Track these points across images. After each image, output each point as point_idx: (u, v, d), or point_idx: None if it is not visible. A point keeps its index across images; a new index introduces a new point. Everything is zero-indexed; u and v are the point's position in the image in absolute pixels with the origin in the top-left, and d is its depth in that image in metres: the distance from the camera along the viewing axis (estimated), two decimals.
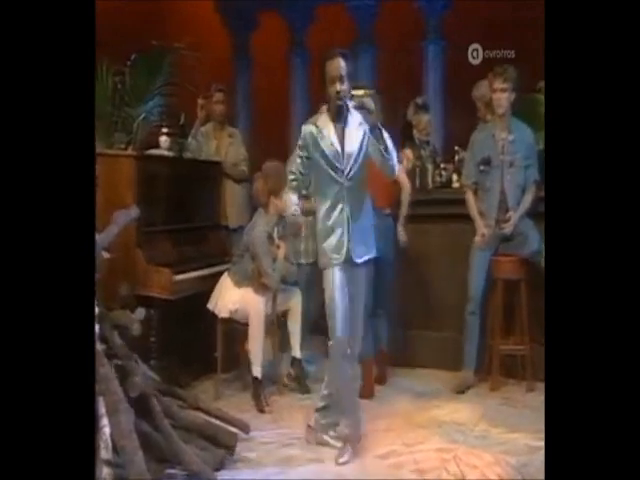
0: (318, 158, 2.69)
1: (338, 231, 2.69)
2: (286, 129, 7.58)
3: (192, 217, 3.86)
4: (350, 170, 2.67)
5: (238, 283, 3.46)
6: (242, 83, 8.08)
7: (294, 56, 8.07)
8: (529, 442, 2.88)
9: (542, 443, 2.82)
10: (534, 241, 3.51)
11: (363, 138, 2.67)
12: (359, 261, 2.73)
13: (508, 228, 3.56)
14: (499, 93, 3.54)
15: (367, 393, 3.41)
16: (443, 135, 6.26)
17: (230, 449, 2.64)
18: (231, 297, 3.43)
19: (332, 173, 2.67)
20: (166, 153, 3.72)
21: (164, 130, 3.75)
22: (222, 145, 4.44)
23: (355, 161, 2.68)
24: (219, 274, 3.56)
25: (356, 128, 2.68)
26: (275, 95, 7.75)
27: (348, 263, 2.71)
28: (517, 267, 3.56)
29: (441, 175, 4.20)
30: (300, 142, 2.73)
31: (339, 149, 2.67)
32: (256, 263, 3.43)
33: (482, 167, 3.62)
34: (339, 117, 2.67)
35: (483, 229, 3.60)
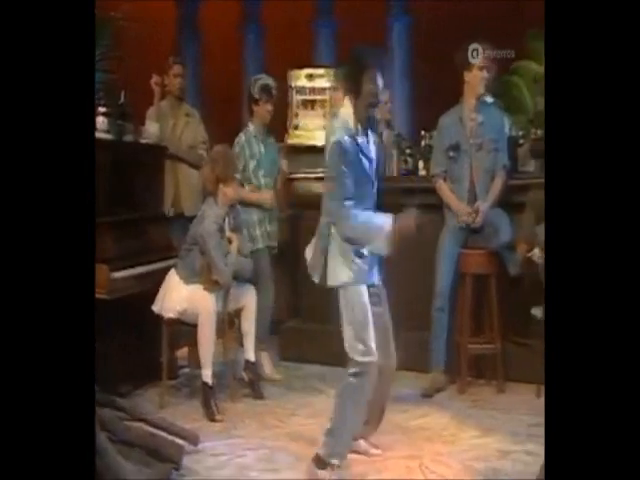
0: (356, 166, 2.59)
1: None
2: (238, 110, 7.50)
3: (133, 207, 3.77)
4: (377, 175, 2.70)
5: (186, 280, 3.40)
6: (189, 58, 7.95)
7: (247, 31, 7.98)
8: (500, 446, 2.93)
9: (513, 447, 2.92)
10: (505, 232, 3.56)
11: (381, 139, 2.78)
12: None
13: (477, 220, 3.60)
14: (483, 71, 3.57)
15: None
16: (408, 118, 6.31)
17: (176, 463, 2.59)
18: (178, 295, 3.37)
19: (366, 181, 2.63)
20: (103, 136, 3.61)
21: (101, 110, 3.63)
22: (178, 125, 4.34)
23: (378, 165, 2.72)
24: (165, 270, 3.49)
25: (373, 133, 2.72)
26: (226, 72, 7.65)
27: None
28: (487, 261, 3.61)
29: (406, 162, 4.22)
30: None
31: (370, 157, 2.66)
32: (206, 258, 3.38)
33: (451, 153, 3.65)
34: (367, 126, 2.65)
35: (462, 210, 3.60)
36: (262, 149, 3.95)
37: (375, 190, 2.68)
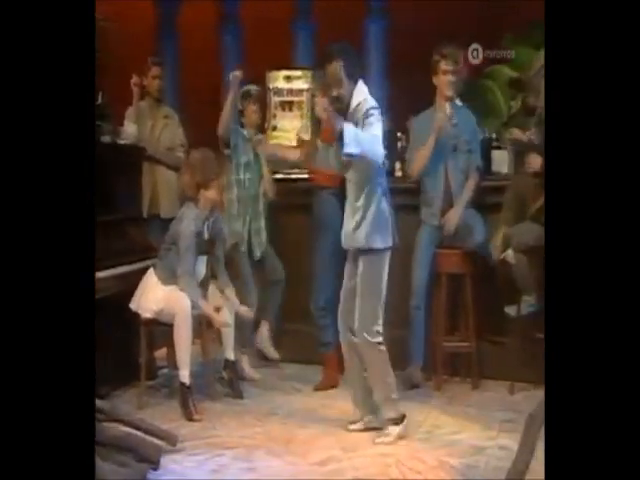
0: None
1: (348, 219, 2.97)
2: (217, 112, 7.46)
3: (112, 208, 3.73)
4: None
5: (165, 280, 3.38)
6: (168, 59, 7.85)
7: (225, 32, 7.93)
8: (475, 442, 2.96)
9: (487, 443, 2.95)
10: (479, 232, 3.61)
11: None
12: (367, 248, 2.89)
13: (452, 224, 3.63)
14: (448, 75, 3.64)
15: (325, 384, 3.63)
16: (384, 120, 6.32)
17: (154, 463, 2.58)
18: (154, 295, 3.35)
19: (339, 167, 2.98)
20: None
21: None
22: (157, 126, 4.31)
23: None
24: (144, 271, 3.47)
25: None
26: (205, 74, 7.60)
27: (359, 251, 2.93)
28: (461, 261, 3.65)
29: (384, 163, 4.23)
30: None
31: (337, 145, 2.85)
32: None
33: None
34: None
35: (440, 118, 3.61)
36: (251, 155, 3.95)
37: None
